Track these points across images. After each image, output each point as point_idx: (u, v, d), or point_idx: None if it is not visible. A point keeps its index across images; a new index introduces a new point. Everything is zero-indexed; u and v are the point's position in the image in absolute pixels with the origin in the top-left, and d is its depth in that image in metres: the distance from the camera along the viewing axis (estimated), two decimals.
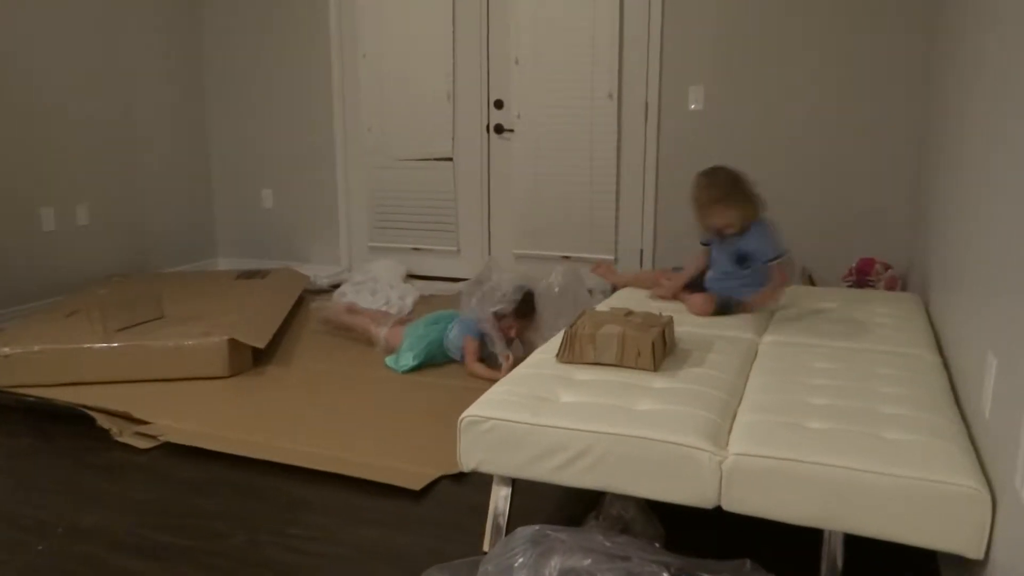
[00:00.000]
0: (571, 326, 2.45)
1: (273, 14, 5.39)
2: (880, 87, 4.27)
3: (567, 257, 4.97)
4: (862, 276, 4.15)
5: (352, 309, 4.29)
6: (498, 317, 3.68)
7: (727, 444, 1.93)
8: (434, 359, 3.74)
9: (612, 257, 4.89)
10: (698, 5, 4.50)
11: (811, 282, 4.40)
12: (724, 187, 3.03)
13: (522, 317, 3.73)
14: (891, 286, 4.07)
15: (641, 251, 4.84)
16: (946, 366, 2.52)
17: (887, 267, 4.14)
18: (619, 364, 2.35)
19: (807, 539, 1.99)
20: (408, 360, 3.68)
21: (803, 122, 4.44)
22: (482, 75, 5.00)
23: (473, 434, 2.09)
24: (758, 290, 3.04)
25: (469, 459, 2.12)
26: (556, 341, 2.59)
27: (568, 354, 2.40)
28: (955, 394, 2.27)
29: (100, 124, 4.89)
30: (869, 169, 4.36)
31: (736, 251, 3.08)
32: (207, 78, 5.64)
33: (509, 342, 3.68)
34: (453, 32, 4.99)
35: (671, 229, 4.77)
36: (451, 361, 3.76)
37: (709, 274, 3.22)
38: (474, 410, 2.11)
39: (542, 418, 2.03)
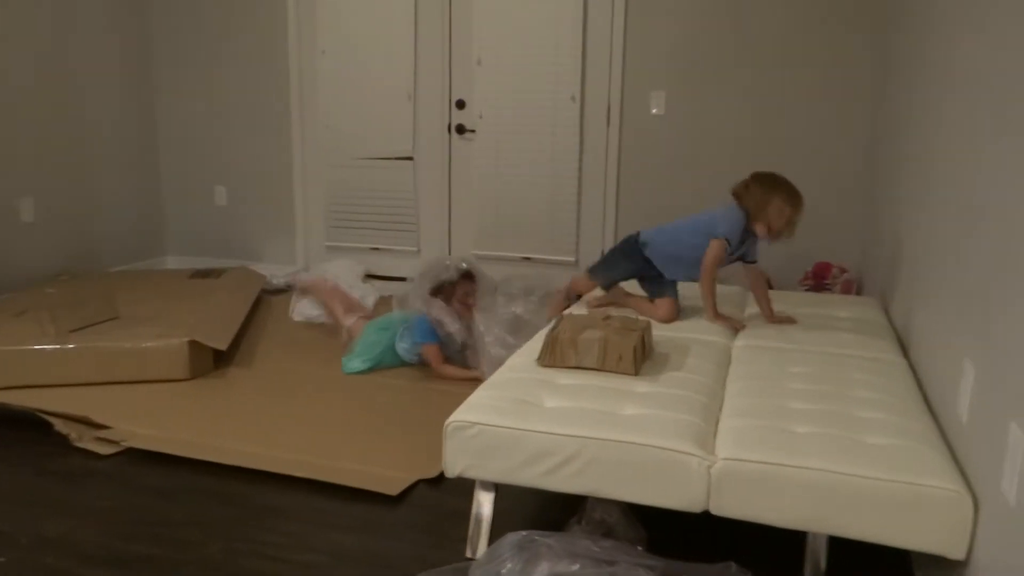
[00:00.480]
0: (552, 330, 2.45)
1: (230, 6, 5.27)
2: (834, 94, 4.37)
3: (528, 258, 4.98)
4: (819, 280, 4.24)
5: (336, 289, 4.19)
6: (445, 295, 3.61)
7: (714, 449, 1.95)
8: (386, 364, 3.67)
9: (573, 259, 4.91)
10: (660, 12, 4.55)
11: (769, 285, 4.48)
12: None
13: (469, 282, 3.67)
14: (847, 290, 4.17)
15: (602, 252, 4.85)
16: (912, 369, 2.60)
17: (843, 271, 4.25)
18: (600, 368, 2.36)
19: (789, 539, 2.03)
20: (356, 365, 3.62)
21: (761, 129, 4.52)
22: (444, 75, 4.96)
23: (459, 439, 2.07)
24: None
25: (455, 465, 2.10)
26: (535, 344, 2.59)
27: (549, 358, 2.40)
28: (924, 397, 2.34)
29: (45, 116, 4.72)
30: (824, 174, 4.46)
31: (746, 252, 3.09)
32: (158, 70, 5.48)
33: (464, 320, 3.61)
34: (415, 30, 4.95)
35: (631, 230, 4.78)
36: (405, 364, 3.69)
37: (671, 267, 3.16)
38: (460, 415, 2.09)
39: (529, 423, 2.03)
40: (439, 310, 3.58)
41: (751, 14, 4.42)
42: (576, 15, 4.64)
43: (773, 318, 3.07)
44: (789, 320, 3.05)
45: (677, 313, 3.03)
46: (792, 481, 1.82)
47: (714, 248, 2.96)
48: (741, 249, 3.06)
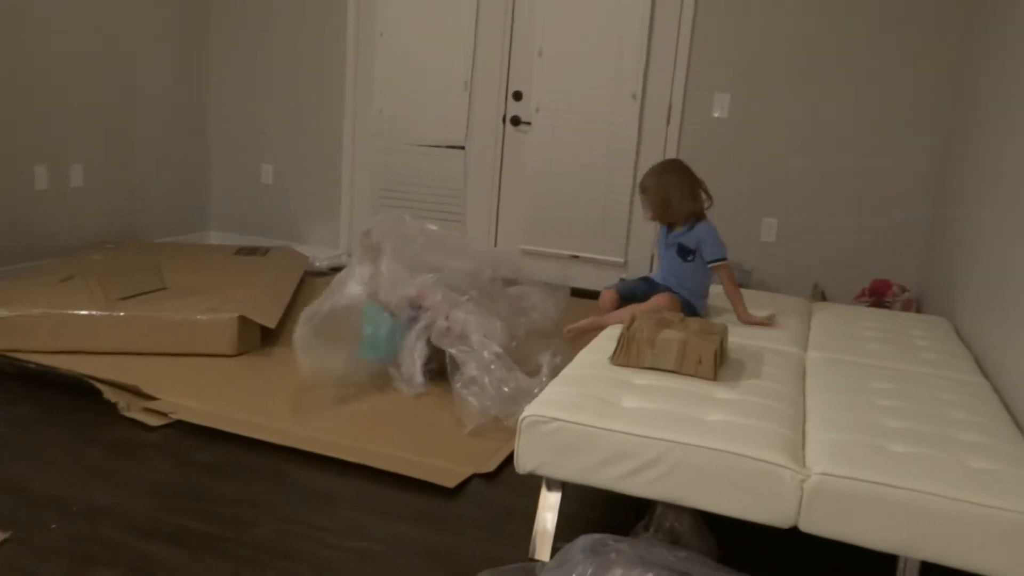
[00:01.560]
0: (627, 327, 2.36)
1: None
2: (904, 106, 4.25)
3: (576, 256, 4.89)
4: (879, 297, 4.13)
5: None
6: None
7: (805, 462, 1.85)
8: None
9: (622, 260, 4.82)
10: (730, 14, 4.45)
11: (823, 298, 4.37)
12: (688, 181, 3.13)
13: None
14: (907, 308, 4.05)
15: (652, 256, 4.77)
16: (996, 392, 2.49)
17: (904, 289, 4.13)
18: (677, 371, 2.27)
19: (859, 559, 1.93)
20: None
21: (825, 139, 4.41)
22: (503, 64, 4.88)
23: (535, 434, 1.99)
24: (704, 299, 3.15)
25: (528, 460, 2.01)
26: (605, 343, 2.51)
27: (624, 357, 2.31)
28: (1015, 422, 2.23)
29: (99, 83, 4.68)
30: (887, 191, 4.35)
31: (679, 244, 3.13)
32: (213, 44, 5.44)
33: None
34: (476, 17, 4.87)
35: None
36: None
37: (659, 271, 3.25)
38: (537, 409, 2.01)
39: (611, 422, 1.94)
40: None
41: (822, 22, 4.31)
42: (643, 11, 4.55)
43: (749, 319, 3.02)
44: (768, 321, 3.00)
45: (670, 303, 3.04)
46: (890, 502, 1.72)
47: None
48: (671, 235, 3.15)
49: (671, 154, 4.65)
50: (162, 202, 5.26)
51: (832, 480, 1.76)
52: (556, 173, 4.86)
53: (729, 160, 4.58)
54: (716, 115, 4.57)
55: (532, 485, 2.26)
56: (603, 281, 4.86)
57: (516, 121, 4.91)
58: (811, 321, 3.18)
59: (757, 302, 3.29)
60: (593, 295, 4.87)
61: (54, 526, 2.13)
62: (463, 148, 5.05)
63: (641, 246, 4.80)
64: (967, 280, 3.23)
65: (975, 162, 3.42)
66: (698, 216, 3.11)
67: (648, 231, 4.77)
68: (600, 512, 2.39)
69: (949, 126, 4.11)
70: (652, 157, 4.69)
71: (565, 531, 2.10)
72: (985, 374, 2.66)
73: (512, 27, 4.84)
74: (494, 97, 4.93)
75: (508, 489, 2.49)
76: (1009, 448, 1.93)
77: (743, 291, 3.19)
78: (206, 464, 2.53)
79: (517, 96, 4.89)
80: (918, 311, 4.08)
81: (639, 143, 4.69)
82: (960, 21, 4.08)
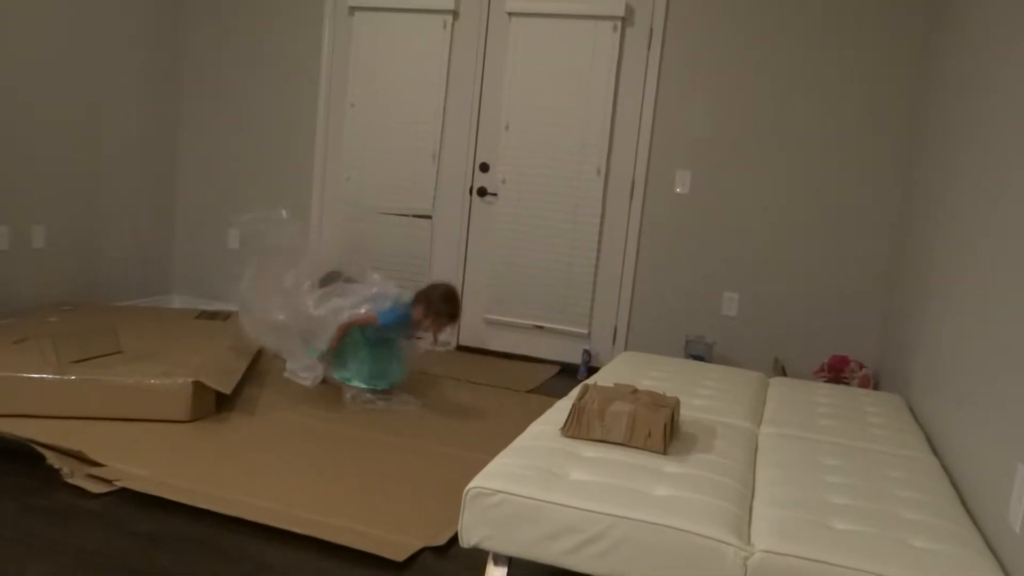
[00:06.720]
0: (579, 399, 2.36)
1: (262, 50, 5.31)
2: (862, 186, 4.37)
3: (540, 327, 4.90)
4: (836, 373, 4.16)
5: None
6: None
7: (750, 538, 1.84)
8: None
9: (586, 331, 4.84)
10: (692, 94, 4.58)
11: (783, 372, 4.41)
12: None
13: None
14: (864, 385, 4.09)
15: (615, 328, 4.80)
16: (945, 470, 2.50)
17: (861, 366, 4.17)
18: (627, 444, 2.26)
19: None
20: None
21: (785, 215, 4.50)
22: (470, 136, 4.97)
23: (479, 507, 1.96)
24: None
25: (472, 534, 1.98)
26: (558, 414, 2.50)
27: (574, 429, 2.30)
28: (961, 500, 2.24)
29: (66, 144, 4.70)
30: (846, 267, 4.43)
31: None
32: (184, 107, 5.50)
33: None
34: (445, 90, 4.98)
35: (647, 307, 4.76)
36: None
37: None
38: (482, 481, 1.98)
39: (556, 496, 1.92)
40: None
41: (781, 103, 4.45)
42: (607, 90, 4.67)
43: None
44: None
45: None
46: None
47: None
48: None
49: (634, 229, 4.73)
50: (126, 265, 5.23)
51: (774, 557, 1.74)
52: (521, 244, 4.91)
53: (691, 235, 4.66)
54: (678, 191, 4.66)
55: (483, 559, 2.21)
56: (566, 352, 4.89)
57: (483, 192, 4.98)
58: (767, 396, 3.19)
59: (717, 375, 3.31)
60: (556, 365, 4.88)
61: None
62: (430, 217, 5.09)
63: (604, 317, 4.83)
64: (920, 358, 3.28)
65: (925, 243, 3.50)
66: None
67: (611, 303, 4.81)
68: None
69: (904, 205, 4.23)
70: (616, 231, 4.77)
71: None
72: (936, 452, 2.68)
73: (480, 102, 4.94)
74: (461, 168, 5.01)
75: (458, 563, 2.44)
76: (952, 527, 1.93)
77: (704, 364, 3.21)
78: (146, 534, 2.46)
79: (484, 168, 4.97)
80: (875, 387, 4.11)
81: (603, 217, 4.77)
82: (913, 101, 4.23)
